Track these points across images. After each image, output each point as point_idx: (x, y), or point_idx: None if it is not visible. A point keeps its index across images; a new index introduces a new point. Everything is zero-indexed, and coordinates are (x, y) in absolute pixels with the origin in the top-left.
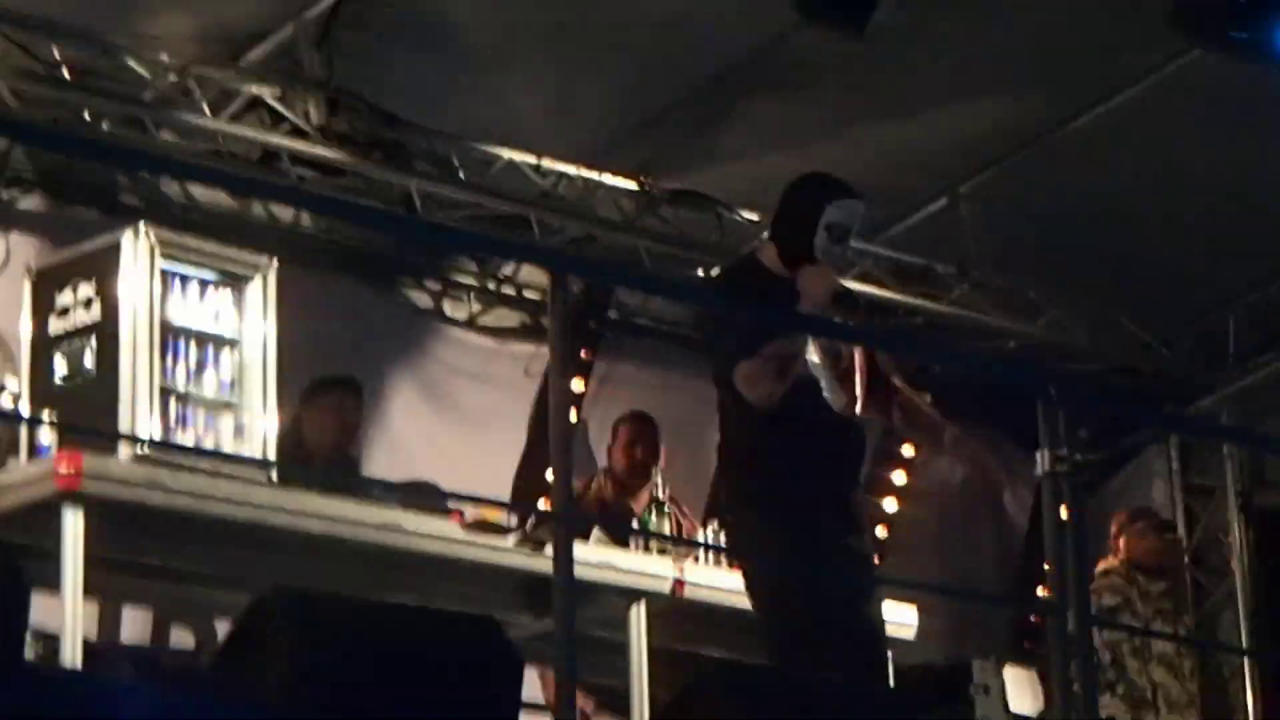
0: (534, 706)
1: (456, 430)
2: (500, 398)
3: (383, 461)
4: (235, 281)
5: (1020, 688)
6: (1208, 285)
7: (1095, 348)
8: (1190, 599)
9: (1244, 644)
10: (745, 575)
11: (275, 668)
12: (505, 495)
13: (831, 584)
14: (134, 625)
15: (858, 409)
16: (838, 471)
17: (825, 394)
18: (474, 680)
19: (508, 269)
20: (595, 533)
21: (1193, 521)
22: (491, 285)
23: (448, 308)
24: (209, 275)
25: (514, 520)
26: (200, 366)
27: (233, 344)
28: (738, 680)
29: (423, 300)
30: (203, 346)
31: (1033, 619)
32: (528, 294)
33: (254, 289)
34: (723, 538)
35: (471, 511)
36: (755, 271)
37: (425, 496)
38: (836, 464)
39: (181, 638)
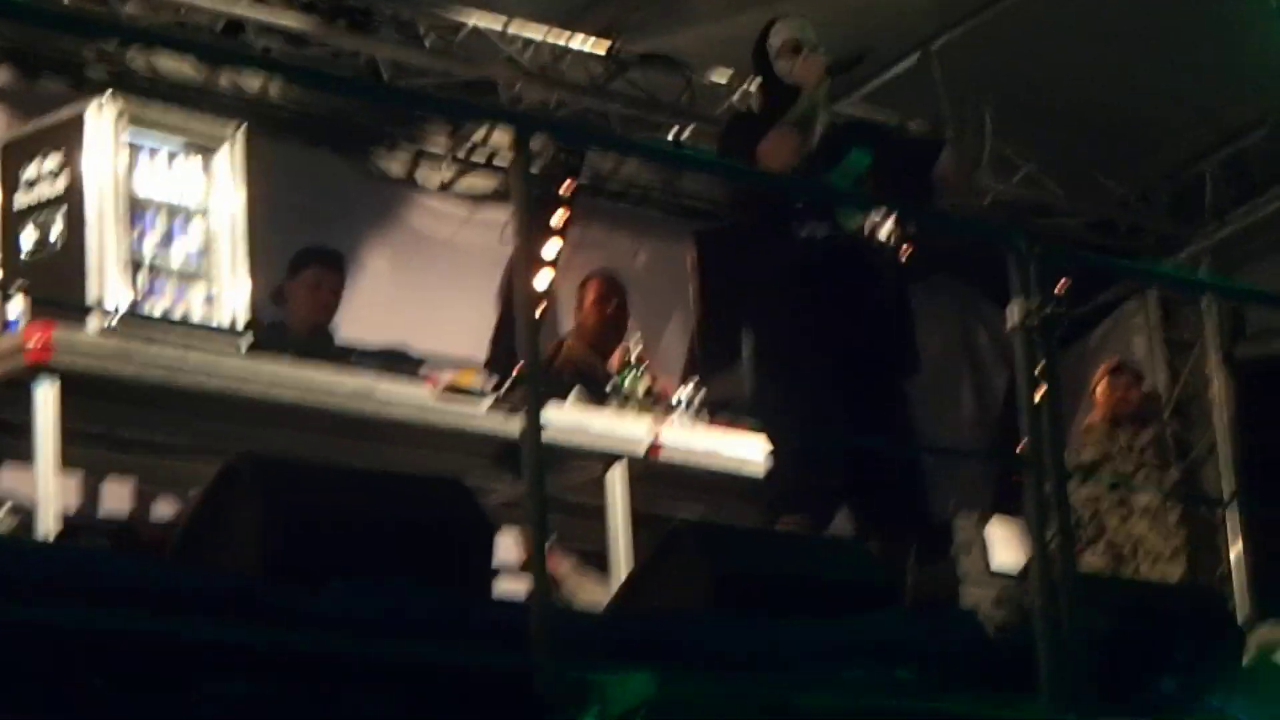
0: (512, 571)
1: (431, 297)
2: (475, 264)
3: (356, 329)
4: (203, 150)
5: (1005, 544)
6: (1183, 139)
7: (1072, 204)
8: (1173, 452)
9: (1225, 495)
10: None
11: (244, 534)
12: (480, 361)
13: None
14: (114, 499)
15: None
16: (846, 303)
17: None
18: (444, 544)
19: (480, 135)
20: (573, 394)
21: (1174, 376)
22: (463, 153)
23: (420, 175)
24: (176, 145)
25: (489, 385)
26: (169, 237)
27: (201, 213)
28: (712, 538)
29: (394, 168)
30: (171, 217)
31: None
32: (500, 161)
33: (222, 157)
34: (699, 397)
35: (446, 377)
36: (749, 121)
37: (398, 362)
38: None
39: (162, 511)
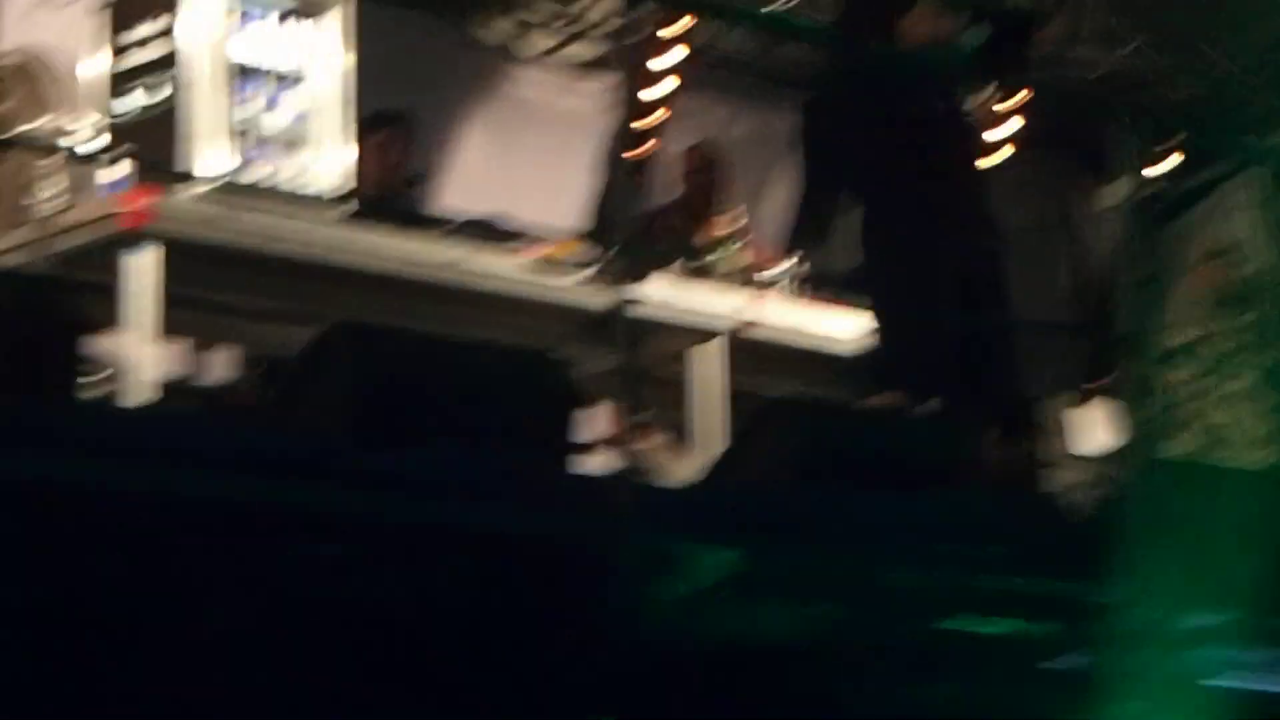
0: (602, 444)
1: (531, 166)
2: (576, 134)
3: (455, 197)
4: (310, 13)
5: (1098, 424)
6: None
7: (1179, 76)
8: (1274, 334)
9: None
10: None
11: (332, 399)
12: (580, 232)
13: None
14: (211, 366)
15: None
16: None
17: None
18: (532, 414)
19: (585, 2)
20: (672, 267)
21: (1274, 255)
22: (567, 20)
23: (522, 43)
24: (283, 6)
25: (589, 256)
26: (272, 102)
27: (306, 79)
28: (801, 414)
29: (496, 35)
30: (275, 83)
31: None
32: (603, 29)
33: (329, 21)
34: (799, 271)
35: (545, 248)
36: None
37: (494, 233)
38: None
39: (256, 377)
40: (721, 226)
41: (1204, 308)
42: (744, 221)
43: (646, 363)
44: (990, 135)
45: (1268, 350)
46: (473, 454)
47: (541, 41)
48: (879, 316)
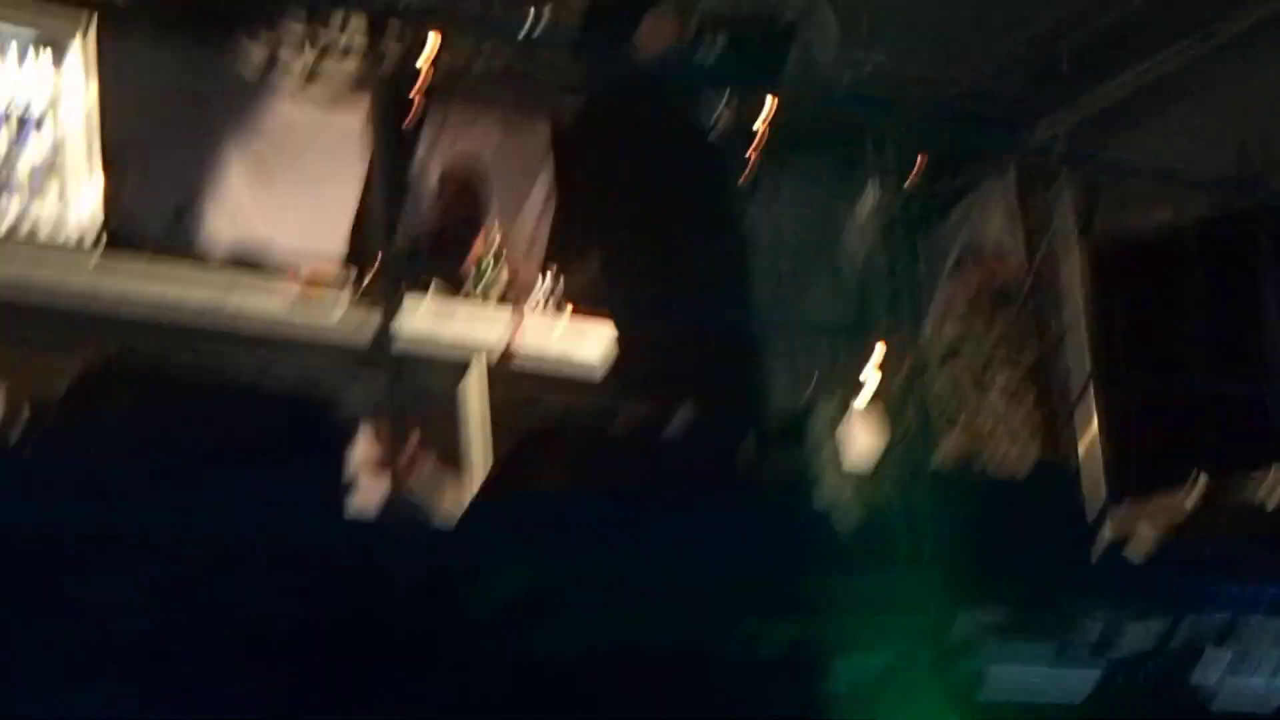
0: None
1: (291, 192)
2: (335, 158)
3: (216, 227)
4: (52, 44)
5: (864, 429)
6: (1049, 13)
7: (935, 78)
8: (1033, 333)
9: (1081, 376)
10: None
11: (105, 432)
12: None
13: None
14: None
15: None
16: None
17: None
18: (298, 448)
19: (340, 25)
20: (431, 289)
21: (1032, 254)
22: (321, 44)
23: (276, 71)
24: (25, 39)
25: (349, 280)
26: (16, 143)
27: (50, 114)
28: (568, 433)
29: (251, 64)
30: (17, 123)
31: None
32: (355, 53)
33: (72, 56)
34: (557, 288)
35: (306, 273)
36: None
37: (257, 263)
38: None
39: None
40: (482, 247)
41: (966, 309)
42: (504, 240)
43: (412, 389)
44: (740, 143)
45: (1028, 349)
46: (244, 490)
47: (296, 68)
48: (633, 328)
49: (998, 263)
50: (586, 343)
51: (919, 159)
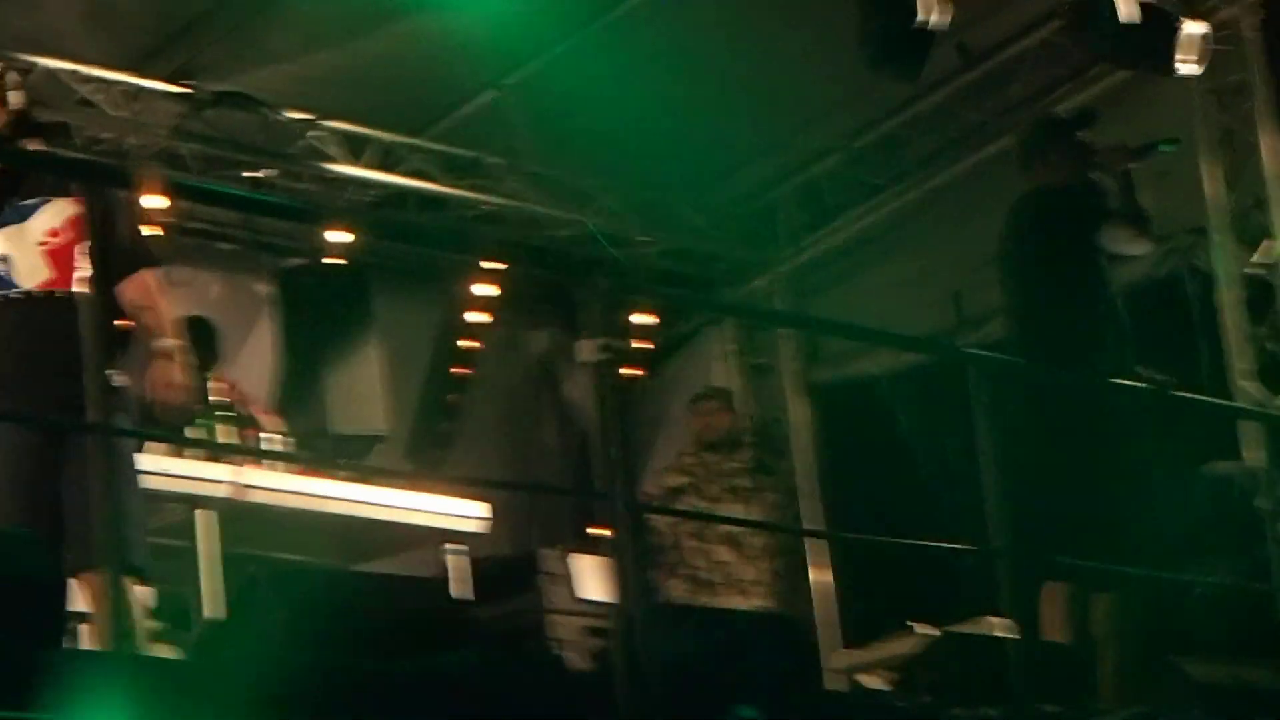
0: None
1: None
2: None
3: None
4: None
5: (592, 574)
6: (755, 168)
7: (647, 234)
8: (760, 477)
9: (809, 520)
10: None
11: None
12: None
13: None
14: None
15: None
16: None
17: None
18: (16, 596)
19: None
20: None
21: (753, 400)
22: None
23: None
24: None
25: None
26: None
27: None
28: (296, 580)
29: None
30: None
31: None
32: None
33: None
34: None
35: None
36: None
37: None
38: None
39: None
40: (212, 394)
41: (690, 454)
42: (227, 386)
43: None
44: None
45: (755, 494)
46: None
47: None
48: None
49: (727, 407)
50: (316, 490)
51: (639, 308)
